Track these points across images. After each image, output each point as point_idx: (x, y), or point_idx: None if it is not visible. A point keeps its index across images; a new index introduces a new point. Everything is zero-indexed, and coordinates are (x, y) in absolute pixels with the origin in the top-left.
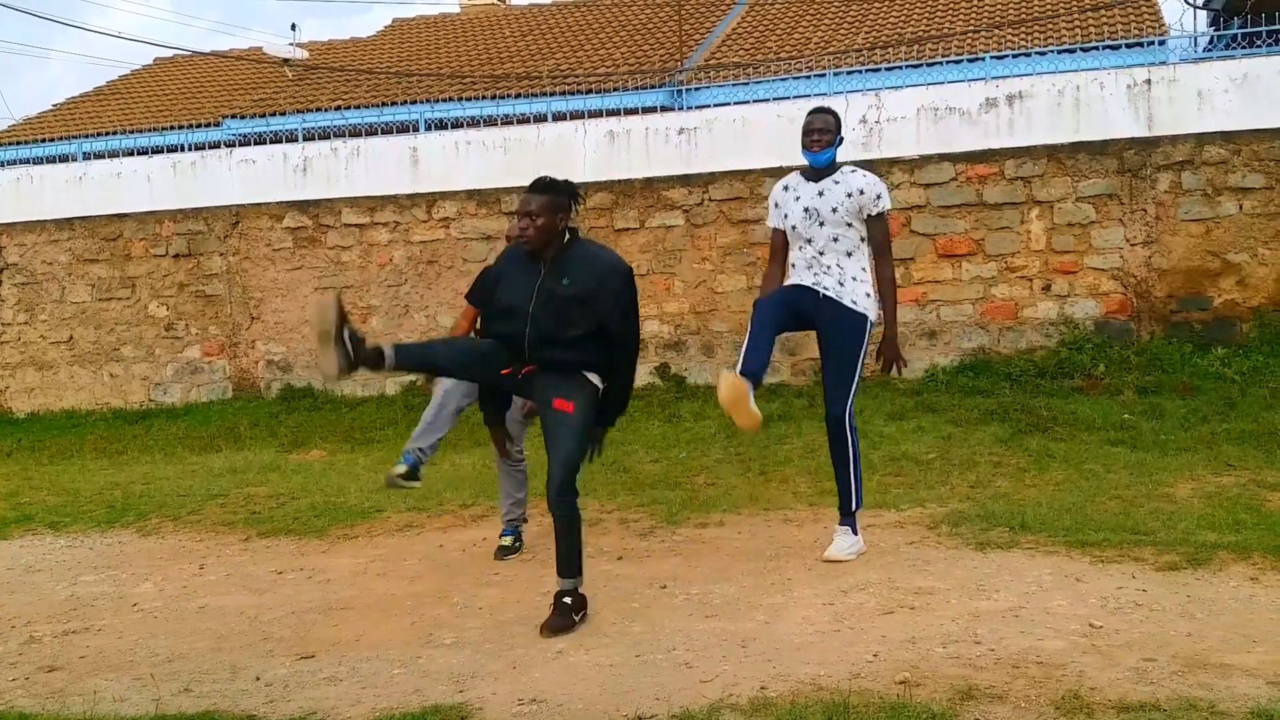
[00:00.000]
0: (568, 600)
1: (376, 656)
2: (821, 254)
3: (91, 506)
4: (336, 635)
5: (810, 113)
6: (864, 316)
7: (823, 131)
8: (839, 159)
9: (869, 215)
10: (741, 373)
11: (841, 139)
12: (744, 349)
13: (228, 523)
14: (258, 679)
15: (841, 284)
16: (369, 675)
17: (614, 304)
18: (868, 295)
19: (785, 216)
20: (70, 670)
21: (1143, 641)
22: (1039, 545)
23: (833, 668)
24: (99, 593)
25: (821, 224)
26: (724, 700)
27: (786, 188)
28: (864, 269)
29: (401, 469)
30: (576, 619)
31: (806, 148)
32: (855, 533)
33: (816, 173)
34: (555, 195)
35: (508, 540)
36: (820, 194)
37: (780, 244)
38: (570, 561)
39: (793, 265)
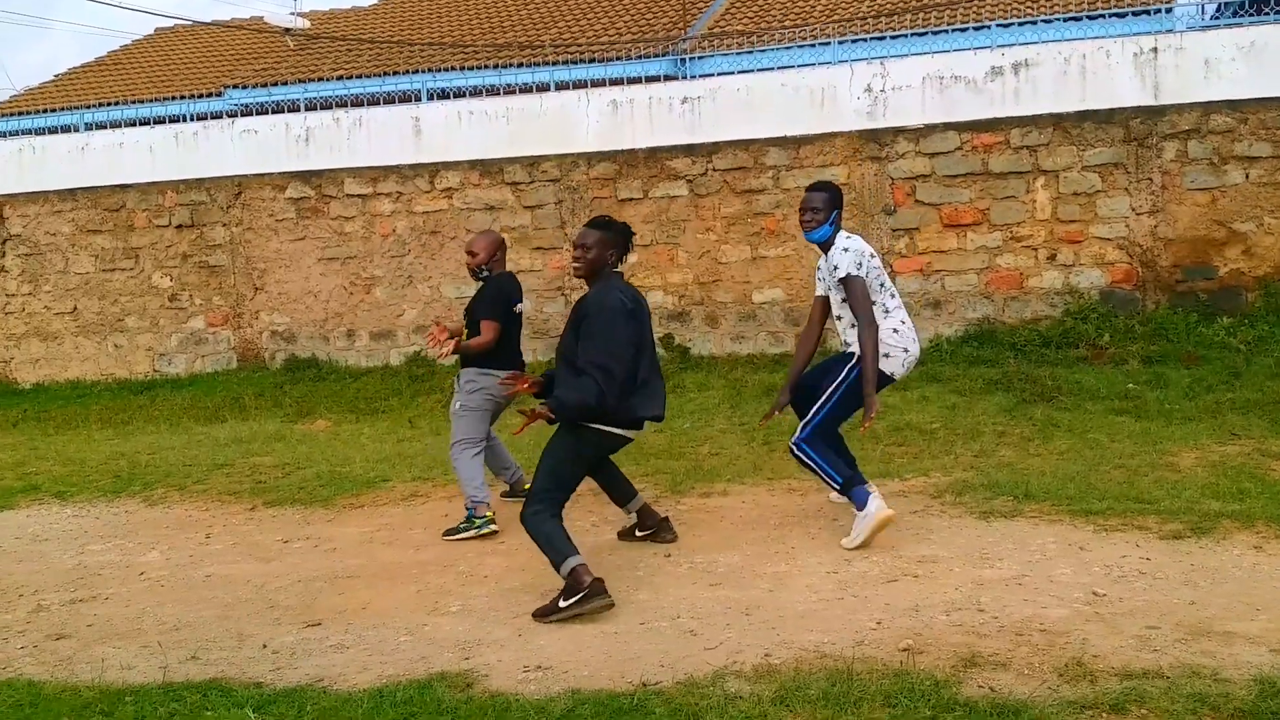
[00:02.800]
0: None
1: (383, 624)
2: (845, 320)
3: (98, 476)
4: (343, 603)
5: (807, 190)
6: (851, 354)
7: (814, 211)
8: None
9: (838, 280)
10: (849, 480)
11: (836, 214)
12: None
13: (233, 492)
14: (264, 646)
15: (844, 334)
16: (375, 643)
17: (582, 331)
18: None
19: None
20: (78, 638)
21: (1146, 609)
22: (1043, 514)
23: (836, 635)
24: (106, 561)
25: (831, 289)
26: (728, 667)
27: (819, 263)
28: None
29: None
30: (562, 605)
31: (801, 226)
32: (862, 506)
33: (821, 247)
34: (607, 234)
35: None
36: (823, 267)
37: (820, 305)
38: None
39: None
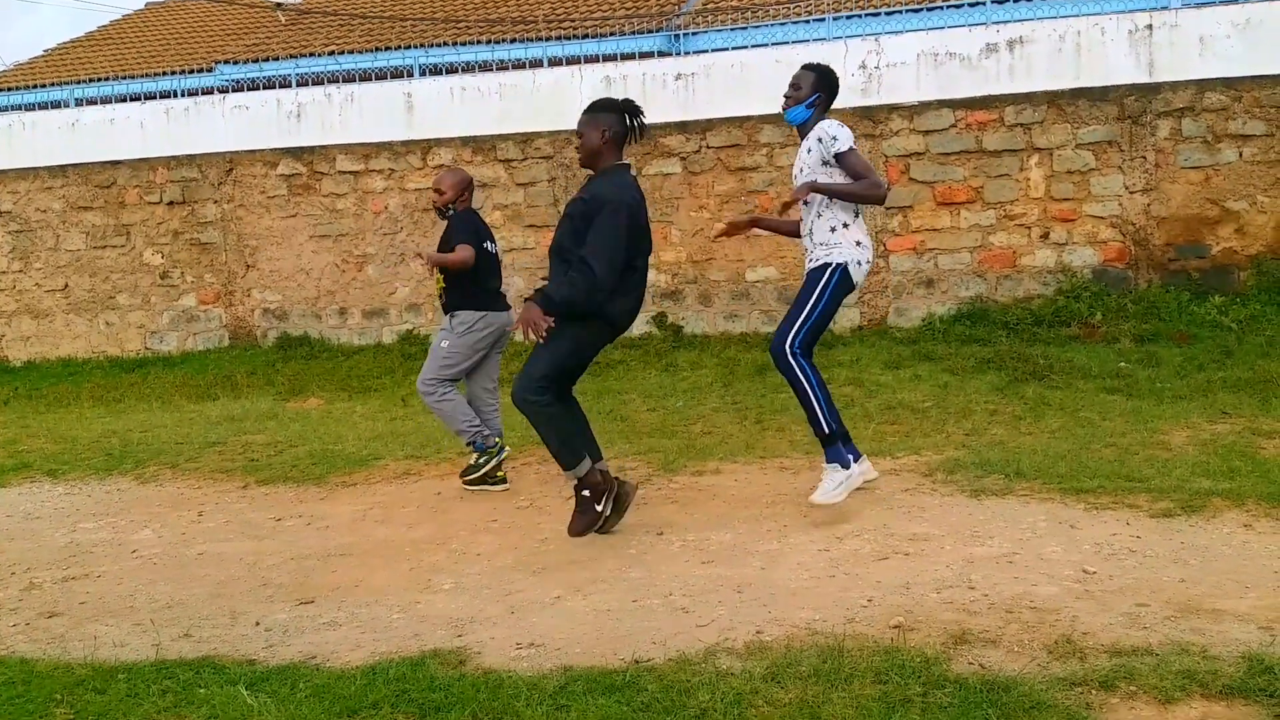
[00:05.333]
0: (585, 493)
1: (376, 602)
2: (806, 218)
3: (89, 454)
4: (336, 581)
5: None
6: (822, 266)
7: (794, 87)
8: (826, 116)
9: (835, 155)
10: (833, 433)
11: (819, 96)
12: (822, 410)
13: (226, 470)
14: (257, 624)
15: (812, 250)
16: (368, 620)
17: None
18: (826, 245)
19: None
20: (70, 616)
21: (1136, 587)
22: (1034, 492)
23: (827, 612)
24: (98, 539)
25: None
26: (720, 644)
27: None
28: (832, 229)
29: (474, 457)
30: (598, 509)
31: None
32: (845, 465)
33: (801, 133)
34: (597, 115)
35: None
36: (799, 157)
37: None
38: (555, 456)
39: None
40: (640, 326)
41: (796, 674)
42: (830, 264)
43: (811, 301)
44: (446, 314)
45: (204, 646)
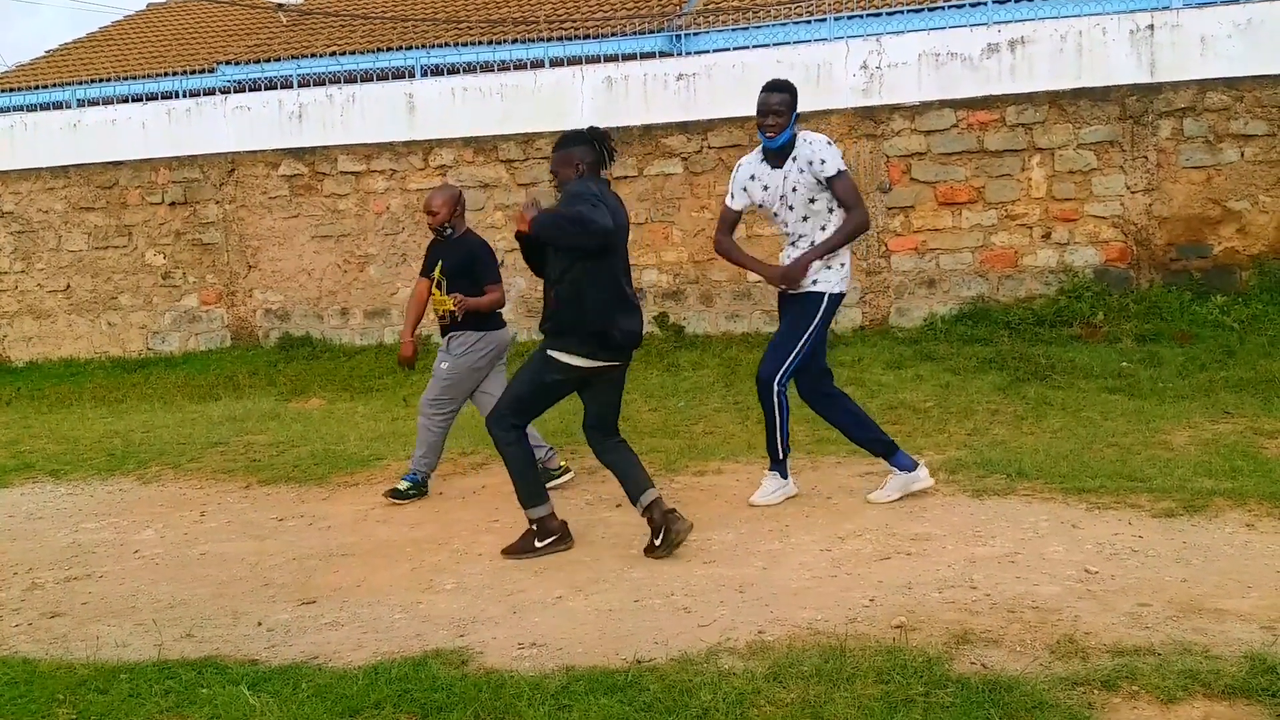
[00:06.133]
0: (533, 528)
1: (378, 602)
2: (797, 237)
3: (92, 454)
4: (338, 581)
5: (764, 90)
6: (819, 294)
7: (778, 115)
8: (797, 131)
9: (826, 179)
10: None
11: (797, 115)
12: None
13: (228, 470)
14: (259, 624)
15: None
16: (370, 620)
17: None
18: (829, 268)
19: (761, 205)
20: (73, 616)
21: (1138, 587)
22: (1036, 492)
23: (829, 612)
24: (100, 540)
25: (791, 207)
26: (721, 644)
27: (753, 177)
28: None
29: (404, 485)
30: (537, 545)
31: (761, 130)
32: (784, 476)
33: (777, 156)
34: (571, 149)
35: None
36: (785, 178)
37: (732, 220)
38: (516, 492)
39: (782, 247)
40: None
41: (798, 674)
42: (826, 294)
43: (807, 333)
44: (444, 335)
45: (206, 646)
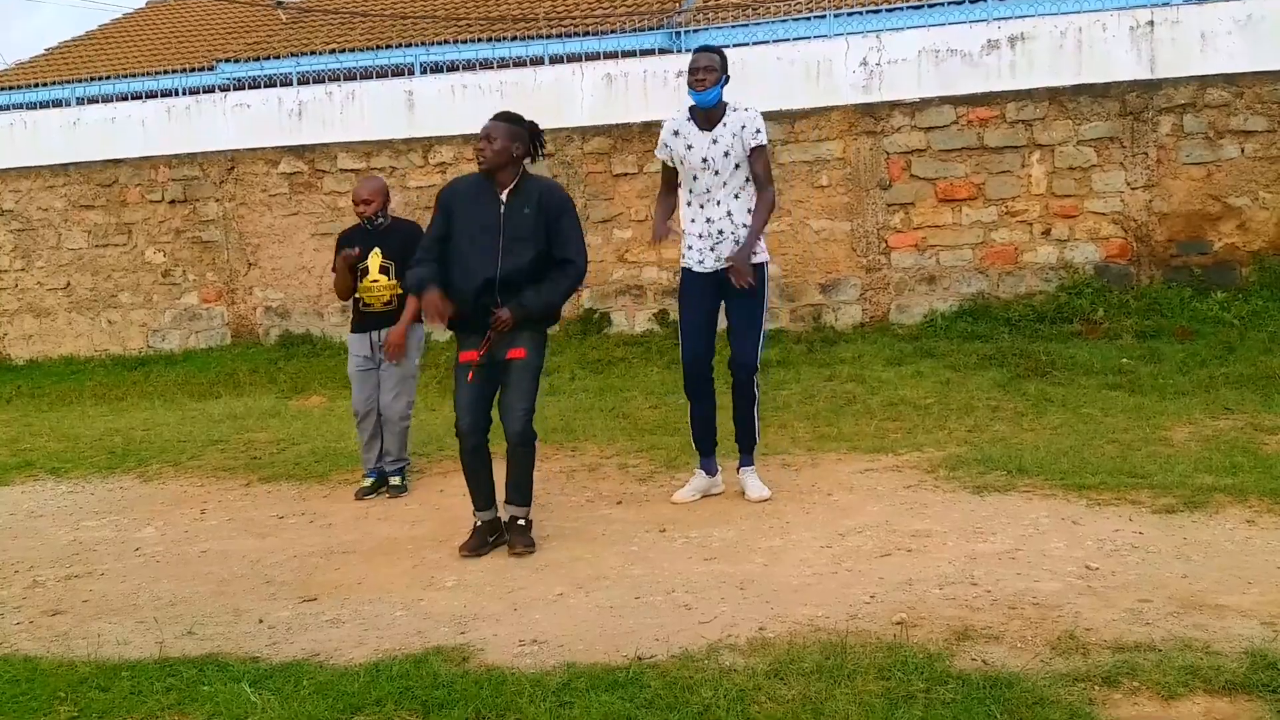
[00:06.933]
0: (521, 522)
1: (378, 599)
2: (717, 202)
3: (92, 452)
4: (338, 579)
5: (694, 51)
6: (761, 265)
7: (707, 70)
8: (725, 99)
9: (751, 149)
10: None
11: (727, 78)
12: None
13: (229, 468)
14: (260, 622)
15: (737, 241)
16: (371, 617)
17: (571, 231)
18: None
19: (681, 162)
20: (74, 614)
21: (1138, 583)
22: (1036, 488)
23: (830, 609)
24: (101, 538)
25: (716, 173)
26: (723, 641)
27: (677, 133)
28: (749, 210)
29: (368, 483)
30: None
31: (691, 87)
32: (715, 471)
33: (707, 118)
34: (512, 125)
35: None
36: (714, 142)
37: (671, 177)
38: (523, 490)
39: (687, 204)
40: (642, 324)
41: (799, 670)
42: (765, 261)
43: (764, 311)
44: (371, 327)
45: (207, 644)
